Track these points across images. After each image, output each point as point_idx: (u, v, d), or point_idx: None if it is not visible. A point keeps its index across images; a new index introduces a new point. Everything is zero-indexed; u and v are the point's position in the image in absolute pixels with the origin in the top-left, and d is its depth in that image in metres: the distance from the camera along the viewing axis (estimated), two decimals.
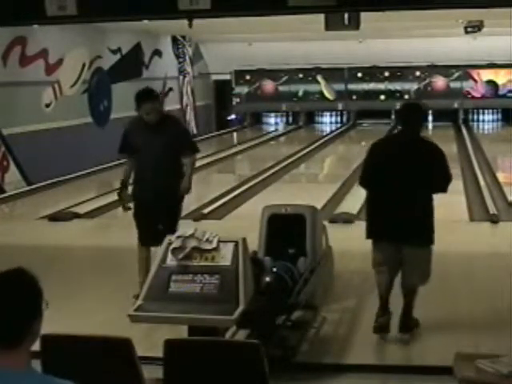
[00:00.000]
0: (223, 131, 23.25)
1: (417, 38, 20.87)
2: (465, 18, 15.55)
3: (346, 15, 9.03)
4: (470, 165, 14.28)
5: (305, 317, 5.46)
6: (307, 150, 17.71)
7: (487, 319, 5.67)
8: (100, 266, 7.57)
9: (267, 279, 5.07)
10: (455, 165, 14.27)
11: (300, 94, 23.96)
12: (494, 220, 9.31)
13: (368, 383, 4.77)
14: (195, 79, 22.52)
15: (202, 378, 3.34)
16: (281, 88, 23.96)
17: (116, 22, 13.48)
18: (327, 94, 23.94)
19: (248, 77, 23.90)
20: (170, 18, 9.02)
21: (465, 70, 23.16)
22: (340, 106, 23.95)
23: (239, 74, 23.84)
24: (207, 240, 4.67)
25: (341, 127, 23.31)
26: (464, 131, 20.97)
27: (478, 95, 23.33)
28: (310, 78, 23.83)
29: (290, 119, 24.66)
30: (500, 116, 23.43)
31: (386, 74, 23.54)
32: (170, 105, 20.69)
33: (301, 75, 23.77)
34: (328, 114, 24.36)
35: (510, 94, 23.11)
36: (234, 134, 22.75)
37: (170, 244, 4.74)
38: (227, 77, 23.65)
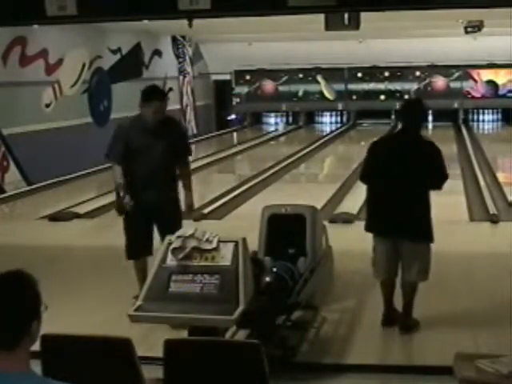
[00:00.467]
0: (223, 131, 23.25)
1: (417, 38, 20.87)
2: (465, 17, 15.55)
3: (346, 15, 9.02)
4: (470, 165, 14.27)
5: (305, 317, 5.46)
6: (307, 150, 17.71)
7: (487, 319, 5.67)
8: (100, 266, 7.57)
9: (267, 279, 5.06)
10: (455, 165, 14.29)
11: (300, 93, 23.96)
12: (493, 220, 9.31)
13: (368, 383, 4.77)
14: (195, 79, 22.52)
15: (202, 378, 3.34)
16: (281, 88, 23.97)
17: (116, 22, 13.49)
18: (327, 94, 23.94)
19: (248, 77, 23.90)
20: (170, 18, 9.02)
21: (465, 70, 23.16)
22: (340, 106, 23.96)
23: (239, 74, 23.84)
24: (207, 240, 4.68)
25: (341, 127, 23.31)
26: (464, 131, 20.97)
27: (478, 95, 23.33)
28: (309, 78, 23.83)
29: (290, 119, 24.66)
30: (500, 116, 23.43)
31: (386, 74, 23.54)
32: (170, 105, 20.65)
33: (301, 75, 23.78)
34: (328, 113, 24.36)
35: (510, 94, 23.11)
36: (234, 134, 22.75)
37: (169, 244, 4.74)
38: (227, 77, 23.66)
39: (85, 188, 13.16)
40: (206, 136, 21.68)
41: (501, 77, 23.10)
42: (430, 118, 22.73)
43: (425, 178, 5.34)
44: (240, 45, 22.14)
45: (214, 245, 4.64)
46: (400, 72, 23.43)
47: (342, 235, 7.73)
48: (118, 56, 17.74)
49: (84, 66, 16.08)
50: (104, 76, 16.97)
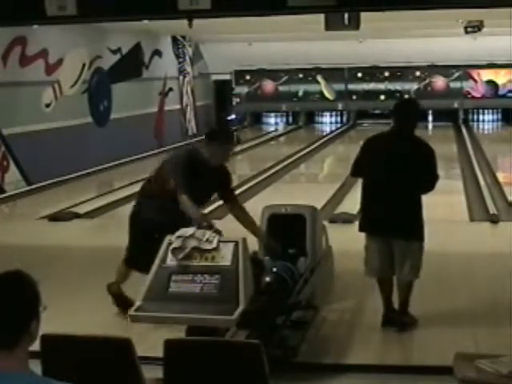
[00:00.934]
0: None
1: (417, 38, 20.86)
2: (465, 17, 15.54)
3: (346, 15, 9.02)
4: (470, 165, 14.27)
5: (305, 317, 5.46)
6: (307, 149, 17.71)
7: (487, 319, 5.67)
8: (100, 266, 7.55)
9: (267, 279, 5.06)
10: (455, 165, 14.31)
11: (300, 94, 23.96)
12: (493, 220, 9.31)
13: (368, 383, 4.77)
14: (195, 79, 22.52)
15: (202, 378, 3.34)
16: (281, 88, 23.96)
17: (116, 22, 13.48)
18: (327, 94, 23.94)
19: (248, 77, 23.89)
20: (170, 18, 9.01)
21: (465, 70, 23.15)
22: (340, 106, 23.96)
23: (239, 74, 23.83)
24: (207, 240, 4.68)
25: (341, 127, 23.31)
26: (464, 131, 20.97)
27: (478, 95, 23.32)
28: (309, 78, 23.82)
29: (290, 119, 24.65)
30: (500, 116, 23.41)
31: (386, 73, 23.53)
32: (170, 105, 20.71)
33: (301, 75, 23.77)
34: (328, 113, 24.36)
35: (510, 94, 23.10)
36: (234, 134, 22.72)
37: (170, 244, 4.74)
38: (227, 77, 23.65)
39: (85, 188, 13.16)
40: None
41: (501, 77, 23.10)
42: (430, 118, 22.78)
43: (417, 178, 5.36)
44: (240, 45, 22.13)
45: (214, 245, 4.64)
46: (400, 72, 23.42)
47: (342, 235, 7.73)
48: (118, 56, 17.73)
49: (84, 66, 16.08)
50: (104, 76, 16.97)
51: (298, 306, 5.22)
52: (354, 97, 23.84)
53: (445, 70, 23.14)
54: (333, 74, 23.60)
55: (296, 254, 5.70)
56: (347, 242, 7.36)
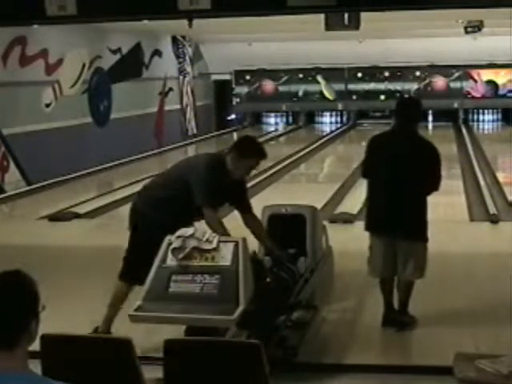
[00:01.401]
0: (223, 131, 23.25)
1: (417, 38, 20.86)
2: (465, 17, 15.55)
3: (346, 15, 9.03)
4: (470, 165, 14.27)
5: (305, 317, 5.46)
6: (307, 149, 17.70)
7: (487, 319, 5.66)
8: (100, 266, 7.55)
9: (267, 279, 5.06)
10: (455, 165, 14.31)
11: (300, 94, 23.96)
12: (493, 220, 9.31)
13: (368, 383, 4.77)
14: (195, 79, 22.51)
15: (202, 378, 3.33)
16: (281, 88, 23.95)
17: (116, 22, 13.48)
18: (327, 94, 23.94)
19: (248, 77, 23.89)
20: (170, 18, 9.02)
21: (465, 70, 23.15)
22: (340, 106, 23.95)
23: (239, 74, 23.83)
24: (207, 240, 4.67)
25: (341, 127, 23.31)
26: (464, 131, 20.96)
27: (478, 95, 23.32)
28: (310, 78, 23.82)
29: (290, 119, 24.65)
30: (500, 116, 23.41)
31: (386, 73, 23.53)
32: (170, 105, 20.71)
33: (301, 75, 23.77)
34: (328, 113, 24.36)
35: (510, 94, 23.10)
36: (234, 134, 22.74)
37: (170, 244, 4.73)
38: (227, 77, 23.65)
39: (85, 188, 13.16)
40: (206, 136, 21.68)
41: (501, 77, 23.09)
42: (430, 117, 22.77)
43: (419, 176, 5.36)
44: (240, 45, 22.13)
45: (214, 245, 4.64)
46: (400, 72, 23.41)
47: (342, 235, 7.73)
48: (118, 56, 17.73)
49: (84, 66, 16.08)
50: (104, 76, 16.97)
51: (298, 306, 5.22)
52: (354, 97, 23.84)
53: (445, 69, 23.14)
54: (333, 73, 23.60)
55: (296, 254, 5.70)
56: (347, 242, 7.38)
